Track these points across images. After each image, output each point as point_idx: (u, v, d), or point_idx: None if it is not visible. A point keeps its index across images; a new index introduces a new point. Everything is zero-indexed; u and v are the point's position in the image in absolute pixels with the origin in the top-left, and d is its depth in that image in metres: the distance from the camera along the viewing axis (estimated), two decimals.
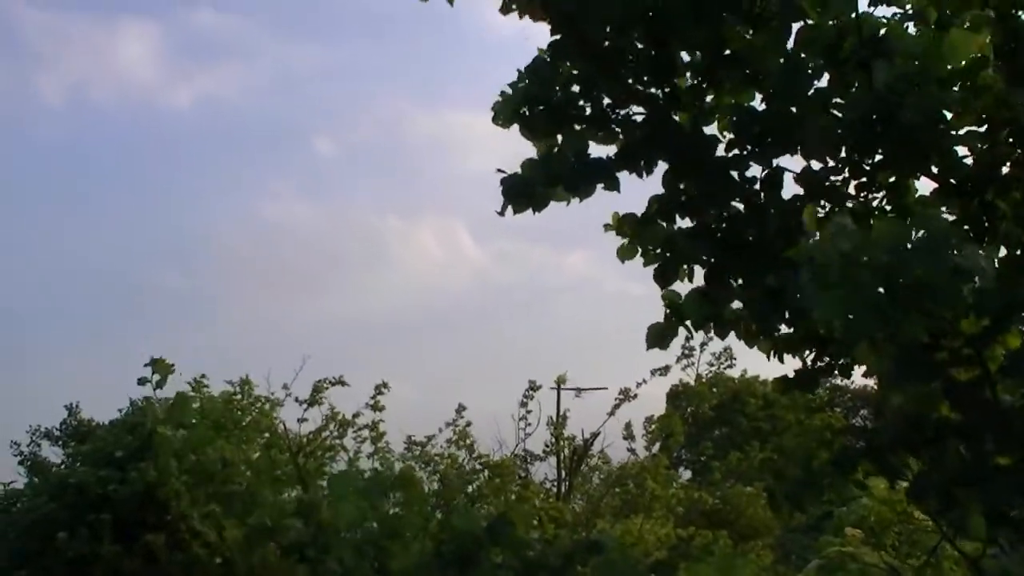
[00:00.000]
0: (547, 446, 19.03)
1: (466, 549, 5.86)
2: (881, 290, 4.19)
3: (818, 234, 4.65)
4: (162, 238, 65.41)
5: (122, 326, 57.91)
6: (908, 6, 5.57)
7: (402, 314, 62.38)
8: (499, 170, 5.78)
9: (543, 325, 60.27)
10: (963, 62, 5.06)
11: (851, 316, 4.29)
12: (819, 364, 5.93)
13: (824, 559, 11.26)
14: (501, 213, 5.79)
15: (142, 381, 15.75)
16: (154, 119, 74.59)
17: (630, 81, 5.68)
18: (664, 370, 18.81)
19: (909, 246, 4.19)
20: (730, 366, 21.22)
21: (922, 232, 4.23)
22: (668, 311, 5.89)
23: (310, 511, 6.84)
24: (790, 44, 5.44)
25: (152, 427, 19.07)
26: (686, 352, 19.33)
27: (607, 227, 5.97)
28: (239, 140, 76.40)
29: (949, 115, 5.30)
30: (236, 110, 75.99)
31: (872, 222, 5.04)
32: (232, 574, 15.12)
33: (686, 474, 32.03)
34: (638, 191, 5.87)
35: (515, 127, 5.85)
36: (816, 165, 5.51)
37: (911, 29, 5.45)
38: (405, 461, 18.42)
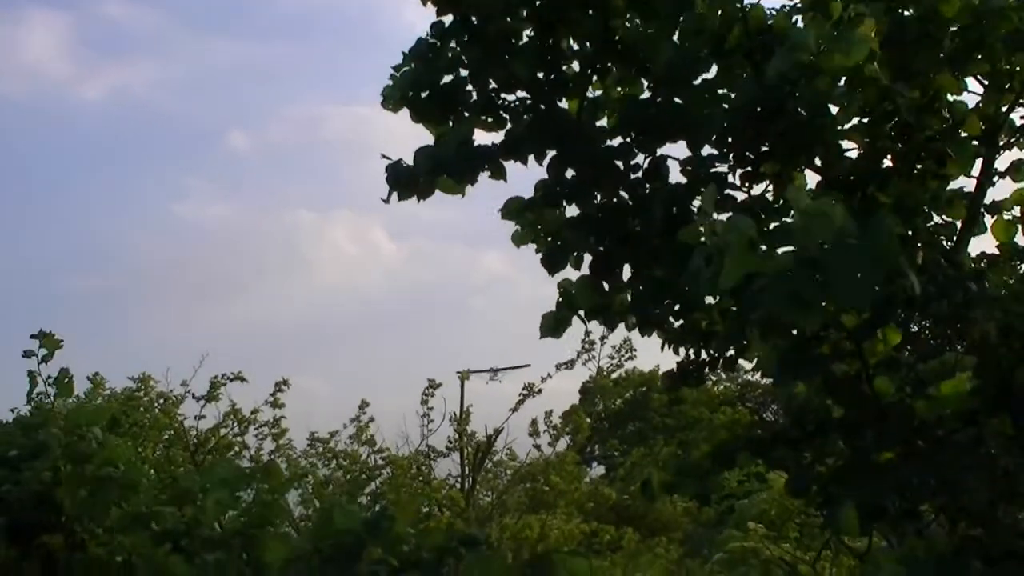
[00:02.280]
0: (451, 442, 18.94)
1: (344, 545, 5.67)
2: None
3: (714, 217, 4.56)
4: (70, 238, 64.21)
5: (28, 328, 56.59)
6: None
7: (316, 313, 61.89)
8: (384, 156, 5.66)
9: (459, 323, 60.23)
10: (859, 59, 5.03)
11: (751, 299, 4.21)
12: (704, 358, 5.87)
13: (727, 553, 11.26)
14: (386, 201, 5.68)
15: (27, 354, 15.38)
16: (63, 113, 73.23)
17: (516, 66, 5.56)
18: (569, 364, 18.84)
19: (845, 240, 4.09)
20: (630, 358, 21.25)
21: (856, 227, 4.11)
22: (560, 300, 5.79)
23: (183, 499, 6.63)
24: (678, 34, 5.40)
25: (45, 425, 18.73)
26: (586, 347, 19.32)
27: (503, 214, 5.85)
28: (151, 136, 75.12)
29: (835, 109, 5.29)
30: (148, 105, 74.74)
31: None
32: (131, 573, 14.77)
33: (599, 469, 32.22)
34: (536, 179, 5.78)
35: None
36: (702, 154, 5.45)
37: (799, 22, 5.44)
38: (307, 458, 18.27)
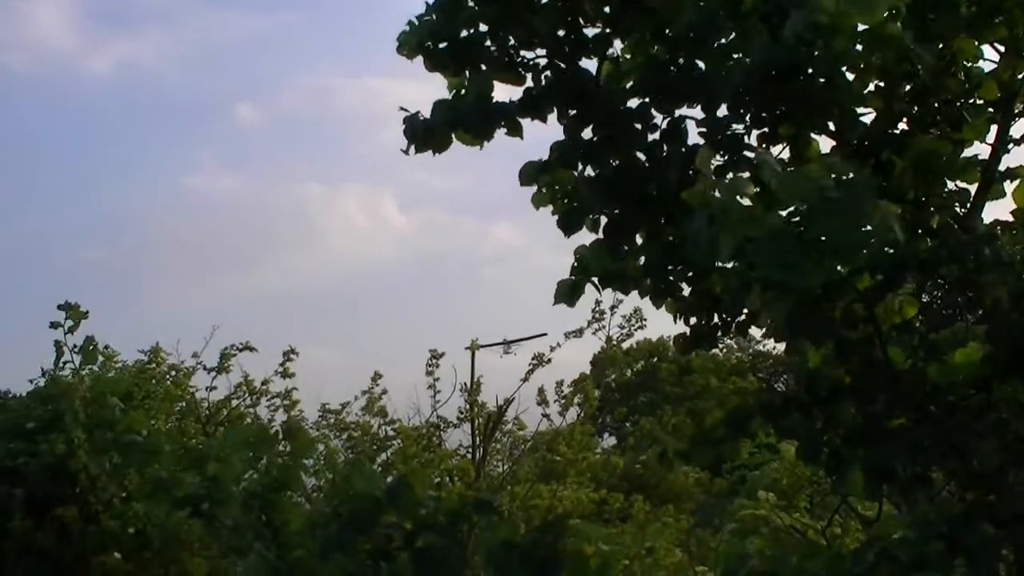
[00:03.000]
0: (461, 413, 18.95)
1: (363, 509, 5.70)
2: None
3: (715, 179, 4.55)
4: (82, 211, 64.27)
5: (41, 301, 56.88)
6: None
7: (327, 285, 62.01)
8: (402, 108, 5.68)
9: (471, 294, 60.24)
10: (876, 19, 5.00)
11: (749, 261, 4.21)
12: (715, 322, 5.86)
13: (738, 522, 11.29)
14: (405, 152, 5.68)
15: (54, 325, 15.46)
16: (71, 87, 73.02)
17: (537, 24, 5.54)
18: (578, 333, 18.79)
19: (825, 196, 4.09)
20: (640, 327, 21.19)
21: (835, 183, 4.12)
22: (575, 265, 5.79)
23: (202, 463, 6.66)
24: None
25: (64, 397, 18.79)
26: (596, 316, 19.27)
27: (521, 180, 5.83)
28: (160, 109, 74.86)
29: (851, 75, 5.26)
30: (157, 78, 74.54)
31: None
32: (146, 545, 14.88)
33: (611, 440, 32.26)
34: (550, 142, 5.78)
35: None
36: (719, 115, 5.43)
37: None
38: (319, 429, 18.30)
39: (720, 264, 5.05)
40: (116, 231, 67.40)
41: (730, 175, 5.00)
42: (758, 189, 4.32)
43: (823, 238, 4.01)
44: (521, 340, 22.93)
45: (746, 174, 4.75)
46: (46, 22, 76.47)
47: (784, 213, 4.14)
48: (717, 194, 4.23)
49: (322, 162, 70.59)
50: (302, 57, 79.75)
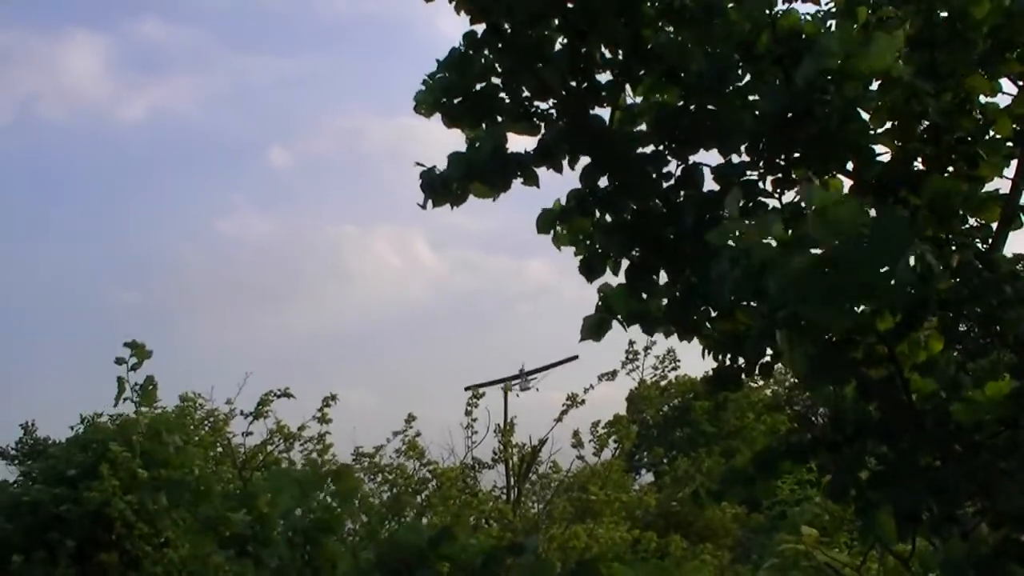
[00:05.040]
0: (495, 454, 18.98)
1: (408, 560, 5.77)
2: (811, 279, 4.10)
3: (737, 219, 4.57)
4: (117, 255, 65.00)
5: (78, 345, 57.44)
6: (828, 3, 5.56)
7: (360, 325, 62.28)
8: (418, 163, 5.72)
9: (503, 333, 60.26)
10: (885, 63, 5.03)
11: (772, 303, 4.21)
12: (738, 363, 5.87)
13: (778, 558, 11.21)
14: (423, 207, 5.73)
15: (119, 361, 15.62)
16: (105, 134, 74.10)
17: (548, 74, 5.60)
18: (611, 375, 18.83)
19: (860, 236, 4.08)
20: (674, 368, 21.23)
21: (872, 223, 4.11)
22: (600, 304, 5.82)
23: (251, 502, 6.73)
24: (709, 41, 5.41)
25: (103, 444, 18.94)
26: (630, 356, 19.32)
27: (538, 228, 5.88)
28: (192, 153, 75.86)
29: (866, 115, 5.29)
30: (189, 123, 75.50)
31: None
32: None
33: (648, 477, 32.11)
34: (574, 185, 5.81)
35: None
36: (734, 160, 5.46)
37: (832, 27, 5.44)
38: (340, 465, 18.33)
39: (745, 306, 5.09)
40: (150, 274, 67.98)
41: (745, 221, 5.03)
42: (786, 229, 4.33)
43: (856, 277, 4.00)
44: (557, 364, 22.87)
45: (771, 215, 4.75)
46: (81, 71, 77.66)
47: (813, 252, 4.12)
48: (742, 235, 4.24)
49: (354, 203, 71.21)
50: (333, 98, 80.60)
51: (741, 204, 5.23)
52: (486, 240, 66.55)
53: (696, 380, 32.44)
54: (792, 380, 36.53)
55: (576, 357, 23.25)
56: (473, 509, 17.17)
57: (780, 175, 5.34)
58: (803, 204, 5.17)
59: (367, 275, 66.99)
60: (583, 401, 18.56)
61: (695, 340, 5.88)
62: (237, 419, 18.35)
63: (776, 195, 5.39)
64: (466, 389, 21.32)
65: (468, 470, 18.92)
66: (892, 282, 4.00)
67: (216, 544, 7.10)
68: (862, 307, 4.32)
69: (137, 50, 79.31)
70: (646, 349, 19.15)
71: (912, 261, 4.07)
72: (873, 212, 5.32)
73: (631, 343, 18.36)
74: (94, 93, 78.30)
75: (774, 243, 4.20)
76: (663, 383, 22.88)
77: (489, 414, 19.29)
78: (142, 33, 79.17)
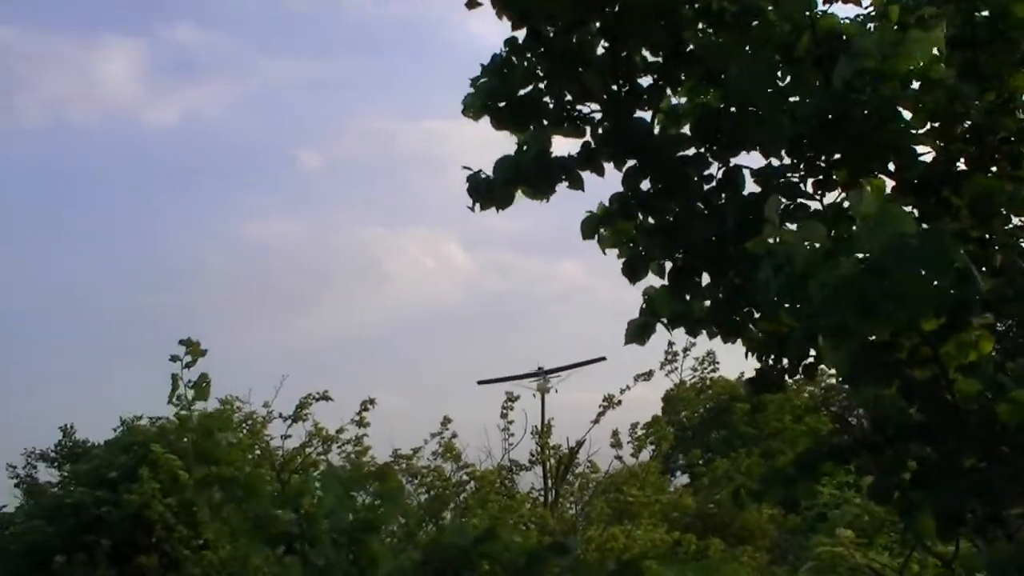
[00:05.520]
0: (533, 455, 19.00)
1: (452, 560, 5.81)
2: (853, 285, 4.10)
3: (779, 224, 4.58)
4: (147, 258, 65.34)
5: (110, 348, 57.96)
6: (867, 5, 5.56)
7: (393, 327, 62.39)
8: (465, 167, 5.78)
9: (535, 334, 60.26)
10: (922, 62, 5.03)
11: (814, 311, 4.22)
12: (781, 365, 5.87)
13: (816, 560, 11.21)
14: (471, 209, 5.79)
15: (174, 359, 15.77)
16: (136, 138, 74.36)
17: (589, 78, 5.63)
18: (647, 375, 18.81)
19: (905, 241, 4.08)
20: (713, 370, 21.18)
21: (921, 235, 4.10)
22: (644, 306, 5.85)
23: (297, 501, 6.77)
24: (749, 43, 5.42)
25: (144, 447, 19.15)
26: (669, 358, 19.31)
27: (583, 234, 5.92)
28: (223, 156, 76.28)
29: (907, 114, 5.28)
30: (220, 126, 75.93)
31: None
32: None
33: (683, 479, 32.04)
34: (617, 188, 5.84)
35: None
36: (774, 163, 5.47)
37: (870, 28, 5.44)
38: (383, 465, 18.40)
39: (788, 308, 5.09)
40: (180, 277, 68.39)
41: (788, 224, 5.04)
42: (830, 233, 4.34)
43: (901, 287, 4.00)
44: (558, 370, 22.81)
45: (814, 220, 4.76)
46: (113, 75, 78.26)
47: (859, 256, 4.13)
48: (784, 243, 4.26)
49: (385, 205, 71.32)
50: (361, 101, 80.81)
51: (782, 207, 5.26)
52: (519, 241, 66.48)
53: (734, 382, 32.41)
54: (829, 381, 36.41)
55: (603, 359, 23.24)
56: (511, 512, 17.19)
57: (821, 177, 5.35)
58: (848, 209, 5.20)
59: (399, 277, 67.10)
60: (619, 402, 18.58)
61: (737, 342, 5.89)
62: (275, 422, 18.50)
63: (817, 197, 5.40)
64: (479, 383, 21.40)
65: (505, 472, 18.96)
66: (940, 290, 4.01)
67: (263, 543, 7.16)
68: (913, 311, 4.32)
69: (169, 54, 79.75)
70: (685, 350, 19.08)
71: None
72: (915, 212, 5.37)
73: (670, 344, 18.32)
74: (126, 97, 78.74)
75: (811, 250, 4.22)
76: (701, 385, 22.79)
77: (526, 416, 19.35)
78: (174, 37, 79.51)
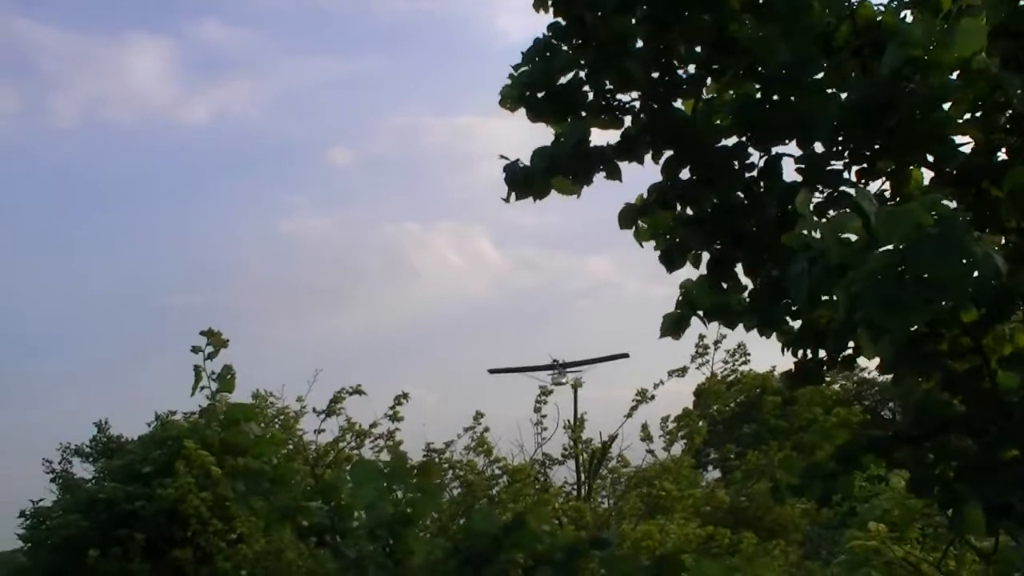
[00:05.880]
0: (565, 450, 19.01)
1: (482, 548, 5.82)
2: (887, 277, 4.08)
3: (814, 219, 4.56)
4: (180, 256, 65.72)
5: (145, 345, 58.31)
6: None
7: (424, 322, 62.52)
8: (502, 156, 5.77)
9: (564, 329, 60.26)
10: (971, 52, 4.99)
11: (851, 304, 4.20)
12: (820, 357, 5.84)
13: (849, 554, 11.17)
14: (506, 200, 5.79)
15: (195, 349, 15.87)
16: (168, 136, 74.98)
17: (630, 67, 5.62)
18: (681, 371, 18.75)
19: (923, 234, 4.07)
20: (744, 362, 21.07)
21: (935, 220, 4.10)
22: (680, 299, 5.84)
23: (330, 493, 6.79)
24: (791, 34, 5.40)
25: (179, 441, 19.28)
26: (700, 351, 19.22)
27: (620, 223, 5.91)
28: (254, 154, 76.66)
29: (947, 104, 5.24)
30: (250, 124, 76.33)
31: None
32: None
33: (715, 473, 31.94)
34: (650, 180, 5.86)
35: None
36: (816, 152, 5.44)
37: (908, 17, 5.41)
38: (426, 459, 18.43)
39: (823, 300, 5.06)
40: (212, 275, 68.75)
41: (831, 212, 5.02)
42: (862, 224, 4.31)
43: (925, 275, 3.99)
44: (575, 364, 22.71)
45: (847, 211, 4.74)
46: (144, 75, 78.75)
47: (883, 251, 4.12)
48: (817, 235, 4.24)
49: (415, 201, 71.60)
50: (392, 97, 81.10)
51: (825, 196, 5.24)
52: (547, 236, 66.52)
53: (764, 374, 32.31)
54: (861, 375, 36.22)
55: (626, 355, 23.17)
56: (544, 505, 17.19)
57: (864, 165, 5.32)
58: (895, 192, 5.18)
59: (429, 273, 67.34)
60: (653, 397, 18.55)
61: (772, 336, 5.87)
62: (308, 417, 18.58)
63: (860, 186, 5.36)
64: (490, 372, 21.39)
65: (539, 466, 18.98)
66: (963, 277, 3.99)
67: (294, 534, 7.19)
68: (943, 303, 4.29)
69: (198, 53, 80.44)
70: (716, 343, 19.01)
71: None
72: (953, 204, 5.33)
73: (701, 337, 18.24)
74: (157, 96, 79.40)
75: (853, 239, 4.20)
76: (731, 377, 22.73)
77: (558, 410, 19.35)
78: (203, 36, 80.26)
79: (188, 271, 65.92)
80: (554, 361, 23.21)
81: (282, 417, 18.87)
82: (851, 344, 5.65)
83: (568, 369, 23.53)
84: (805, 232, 4.32)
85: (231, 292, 66.18)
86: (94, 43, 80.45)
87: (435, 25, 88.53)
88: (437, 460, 18.24)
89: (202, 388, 12.65)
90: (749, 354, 20.76)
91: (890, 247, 4.03)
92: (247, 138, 77.82)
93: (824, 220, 4.66)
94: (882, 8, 5.44)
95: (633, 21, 5.58)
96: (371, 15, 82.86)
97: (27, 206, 68.41)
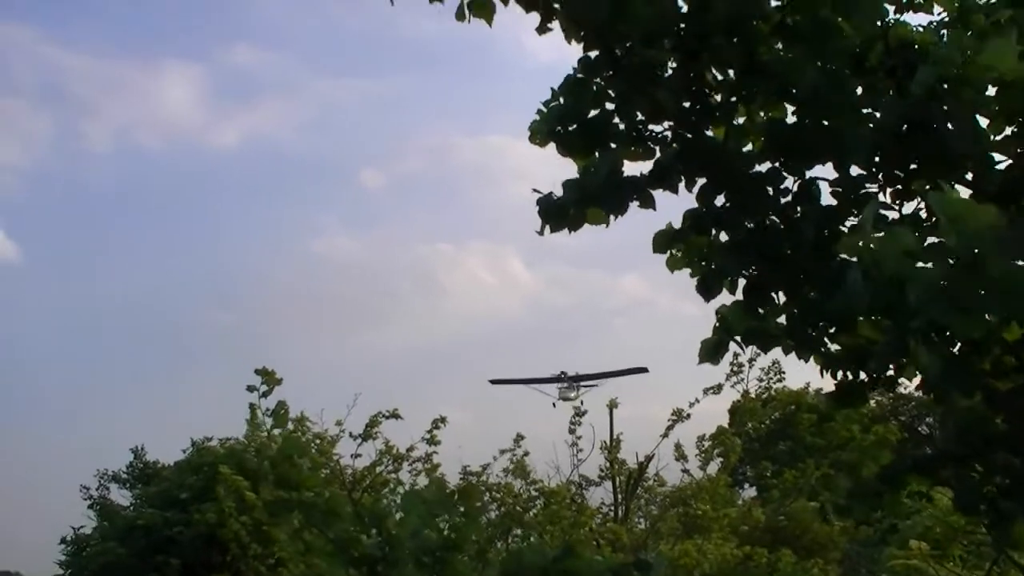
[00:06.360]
0: (602, 471, 18.97)
1: None
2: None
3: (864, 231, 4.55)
4: (212, 278, 66.14)
5: (178, 367, 58.64)
6: (939, 12, 5.51)
7: (457, 341, 62.58)
8: (535, 190, 5.78)
9: (600, 346, 60.15)
10: (1003, 65, 4.98)
11: (910, 313, 4.17)
12: (863, 378, 5.82)
13: (890, 572, 11.11)
14: (540, 233, 5.79)
15: (251, 388, 16.01)
16: (200, 160, 75.57)
17: (662, 97, 5.64)
18: (716, 389, 18.72)
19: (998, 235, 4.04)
20: (779, 380, 21.02)
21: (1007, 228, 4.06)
22: (717, 324, 5.84)
23: (380, 524, 6.85)
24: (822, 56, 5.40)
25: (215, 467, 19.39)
26: (735, 369, 19.18)
27: (654, 248, 5.92)
28: (285, 177, 77.08)
29: (985, 123, 5.23)
30: (281, 147, 76.80)
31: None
32: None
33: (750, 491, 31.76)
34: (683, 207, 5.84)
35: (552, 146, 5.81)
36: (854, 173, 5.44)
37: (943, 35, 5.40)
38: (466, 484, 18.43)
39: (868, 319, 5.05)
40: (245, 295, 69.17)
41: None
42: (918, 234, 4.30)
43: (996, 284, 3.95)
44: (586, 378, 22.58)
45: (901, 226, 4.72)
46: (176, 100, 79.44)
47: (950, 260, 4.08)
48: (873, 247, 4.23)
49: (446, 221, 71.73)
50: (421, 118, 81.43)
51: (860, 218, 5.23)
52: (579, 255, 66.45)
53: (800, 392, 32.14)
54: (898, 391, 35.94)
55: (645, 369, 23.05)
56: (581, 527, 17.16)
57: (899, 187, 5.31)
58: (931, 213, 5.15)
59: (461, 292, 67.40)
60: (688, 416, 18.51)
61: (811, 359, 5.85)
62: (344, 440, 18.63)
63: (896, 207, 5.36)
64: (491, 382, 21.34)
65: (576, 487, 18.95)
66: None
67: (346, 564, 7.23)
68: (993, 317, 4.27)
69: (229, 77, 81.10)
70: (751, 361, 18.95)
71: None
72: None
73: (735, 355, 18.21)
74: (188, 120, 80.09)
75: (901, 253, 4.18)
76: (765, 395, 22.65)
77: (594, 431, 19.32)
78: (233, 61, 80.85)
79: (223, 291, 66.32)
80: (561, 374, 23.11)
81: (319, 441, 18.92)
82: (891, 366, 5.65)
83: (580, 383, 23.41)
84: (861, 243, 4.31)
85: (265, 311, 66.54)
86: (126, 70, 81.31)
87: (463, 45, 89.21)
88: (475, 482, 18.25)
89: (260, 426, 12.80)
90: (784, 372, 20.72)
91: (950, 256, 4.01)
92: (279, 160, 78.47)
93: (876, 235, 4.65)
94: (919, 28, 5.44)
95: (663, 51, 5.59)
96: (399, 36, 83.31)
97: (62, 230, 69.06)
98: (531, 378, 23.08)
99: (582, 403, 21.25)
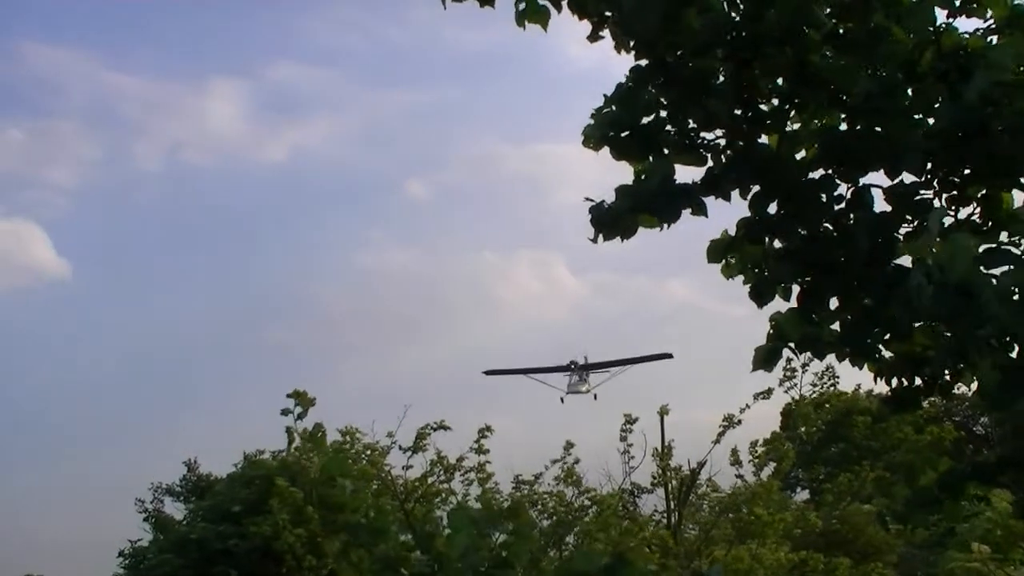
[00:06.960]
0: (654, 478, 18.92)
1: None
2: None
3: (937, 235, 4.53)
4: (263, 294, 66.58)
5: (232, 382, 59.12)
6: (989, 17, 5.48)
7: (505, 351, 62.66)
8: (587, 199, 5.79)
9: (646, 348, 59.89)
10: None
11: (979, 318, 4.15)
12: (918, 384, 5.78)
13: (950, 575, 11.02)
14: (594, 241, 5.80)
15: (285, 412, 16.15)
16: (247, 176, 76.10)
17: (714, 105, 5.64)
18: (767, 393, 18.62)
19: None
20: (832, 385, 20.88)
21: None
22: (772, 331, 5.82)
23: (428, 543, 6.87)
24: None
25: (268, 480, 19.56)
26: (788, 374, 19.09)
27: (709, 257, 5.92)
28: (331, 190, 77.52)
29: None
30: (327, 161, 77.28)
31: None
32: None
33: (803, 495, 31.56)
34: (735, 214, 5.83)
35: (605, 151, 5.82)
36: (907, 180, 5.41)
37: (992, 40, 5.37)
38: (514, 501, 18.46)
39: (923, 326, 5.02)
40: (297, 309, 69.56)
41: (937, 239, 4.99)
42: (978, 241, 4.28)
43: None
44: (652, 358, 22.32)
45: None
46: (223, 117, 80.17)
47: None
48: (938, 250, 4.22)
49: (493, 230, 71.77)
50: (466, 129, 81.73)
51: (915, 224, 5.21)
52: (623, 261, 66.33)
53: (853, 394, 31.88)
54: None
55: (669, 355, 22.72)
56: (633, 536, 17.14)
57: (955, 192, 5.28)
58: (987, 218, 5.12)
59: (509, 301, 67.49)
60: (739, 422, 18.43)
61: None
62: (394, 451, 18.73)
63: (951, 213, 5.33)
64: (485, 373, 21.29)
65: (627, 495, 18.92)
66: None
67: None
68: None
69: (274, 93, 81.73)
70: (804, 366, 18.86)
71: None
72: None
73: (788, 360, 18.13)
74: (236, 137, 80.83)
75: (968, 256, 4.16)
76: (820, 399, 22.50)
77: (645, 438, 19.28)
78: (278, 77, 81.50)
79: (274, 308, 66.73)
80: (571, 363, 22.76)
81: (369, 452, 19.03)
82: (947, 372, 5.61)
83: (592, 371, 22.90)
84: (926, 246, 4.30)
85: (314, 324, 66.89)
86: (174, 90, 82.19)
87: (506, 54, 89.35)
88: (527, 492, 18.29)
89: (295, 448, 12.92)
90: (838, 376, 20.60)
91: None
92: (324, 174, 78.97)
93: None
94: (967, 34, 5.40)
95: (714, 59, 5.59)
96: (443, 47, 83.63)
97: (115, 248, 69.81)
98: (528, 368, 22.65)
99: (596, 397, 20.99)
